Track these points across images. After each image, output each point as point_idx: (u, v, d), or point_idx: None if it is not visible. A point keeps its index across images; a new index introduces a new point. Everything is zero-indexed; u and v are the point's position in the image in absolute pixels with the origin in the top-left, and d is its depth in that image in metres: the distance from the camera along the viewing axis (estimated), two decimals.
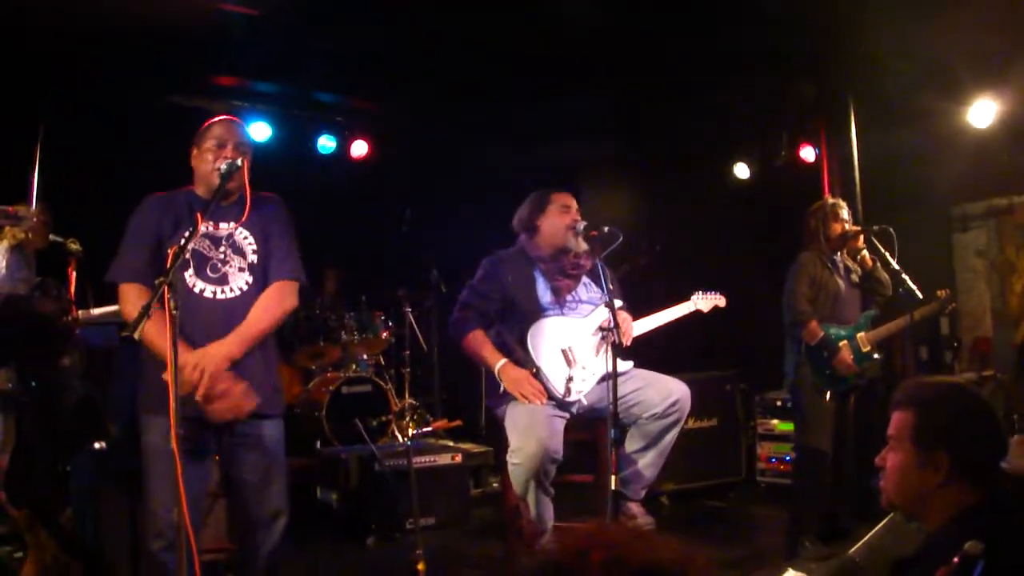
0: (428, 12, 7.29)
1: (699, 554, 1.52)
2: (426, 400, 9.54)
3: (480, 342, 5.45)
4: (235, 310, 4.13)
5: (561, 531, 5.15)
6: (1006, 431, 6.04)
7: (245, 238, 4.25)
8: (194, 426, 3.81)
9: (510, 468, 5.19)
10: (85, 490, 5.57)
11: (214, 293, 4.12)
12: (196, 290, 4.08)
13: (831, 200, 6.48)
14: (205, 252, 4.14)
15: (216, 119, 4.35)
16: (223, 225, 4.20)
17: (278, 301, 4.26)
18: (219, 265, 4.15)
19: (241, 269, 4.19)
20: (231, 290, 4.15)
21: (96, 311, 6.44)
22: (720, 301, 6.23)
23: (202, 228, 4.00)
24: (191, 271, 4.07)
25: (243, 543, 4.26)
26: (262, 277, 4.24)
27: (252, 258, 4.23)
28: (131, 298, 4.04)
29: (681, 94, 8.74)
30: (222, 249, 4.17)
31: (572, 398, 5.28)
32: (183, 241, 3.71)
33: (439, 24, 7.52)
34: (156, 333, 3.73)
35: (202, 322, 4.03)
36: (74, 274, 6.36)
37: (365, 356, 9.09)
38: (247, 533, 4.23)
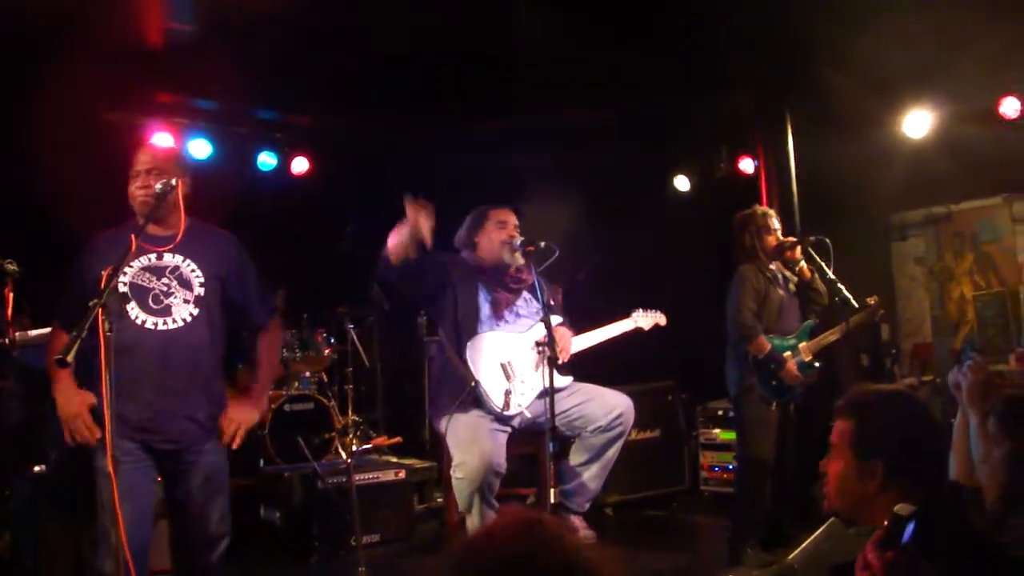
0: (366, 27, 7.30)
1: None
2: (369, 416, 9.50)
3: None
4: (178, 340, 4.13)
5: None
6: (946, 438, 6.15)
7: (192, 271, 4.24)
8: (131, 451, 3.81)
9: (454, 482, 5.21)
10: (25, 514, 5.52)
11: (155, 324, 4.10)
12: (138, 321, 4.06)
13: (760, 210, 6.49)
14: (145, 284, 4.13)
15: (142, 143, 4.37)
16: (166, 257, 4.19)
17: (274, 344, 4.68)
18: (161, 297, 4.14)
19: (186, 301, 4.19)
20: (173, 321, 4.14)
21: (33, 332, 6.37)
22: (660, 319, 6.28)
23: (143, 260, 4.03)
24: (133, 303, 4.05)
25: (182, 566, 4.25)
26: (207, 309, 4.24)
27: (199, 291, 4.23)
28: (59, 342, 4.07)
29: (620, 106, 8.79)
30: (164, 280, 4.16)
31: (511, 412, 5.31)
32: (118, 262, 3.71)
33: (377, 39, 7.53)
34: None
35: (145, 352, 4.04)
36: (11, 295, 6.29)
37: (307, 373, 9.03)
38: (187, 556, 4.22)
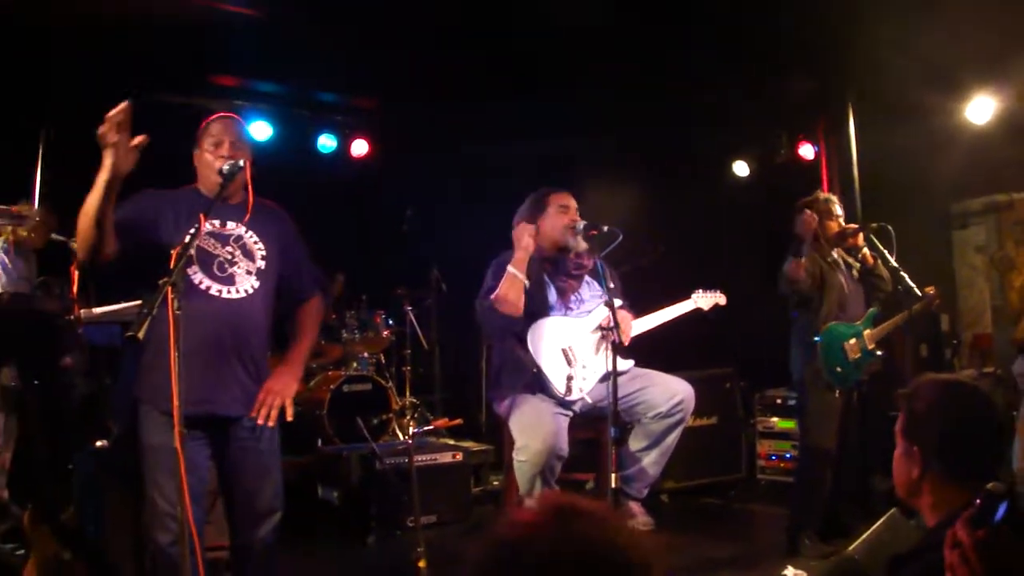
0: (428, 9, 7.31)
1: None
2: (427, 398, 9.54)
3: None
4: (242, 311, 4.14)
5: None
6: (1007, 431, 6.06)
7: (255, 242, 4.24)
8: (189, 424, 3.82)
9: (516, 465, 5.20)
10: (87, 488, 5.59)
11: (220, 292, 4.08)
12: (202, 287, 4.04)
13: (823, 196, 6.41)
14: (210, 250, 4.11)
15: (214, 117, 4.34)
16: (229, 224, 4.20)
17: (318, 313, 4.55)
18: (226, 265, 4.13)
19: (248, 272, 4.17)
20: (238, 291, 4.13)
21: (98, 310, 6.46)
22: (721, 299, 6.24)
23: (207, 226, 4.02)
24: (195, 267, 4.04)
25: (237, 541, 4.27)
26: (267, 283, 4.25)
27: (260, 263, 4.22)
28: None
29: (681, 91, 8.75)
30: (228, 248, 4.15)
31: (573, 396, 5.30)
32: (187, 240, 3.72)
33: (439, 21, 7.54)
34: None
35: (210, 320, 4.02)
36: (77, 273, 6.38)
37: (366, 354, 9.09)
38: (240, 532, 4.23)
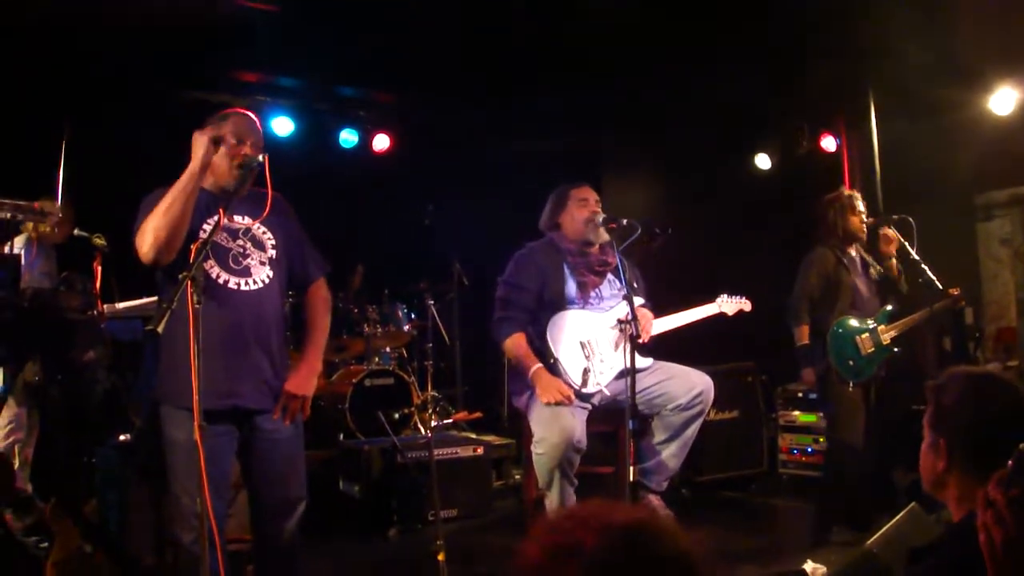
0: (449, 5, 7.32)
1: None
2: (448, 392, 9.56)
3: (519, 346, 5.48)
4: (261, 301, 4.16)
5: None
6: None
7: (264, 233, 4.27)
8: (214, 419, 3.83)
9: (535, 458, 5.22)
10: (110, 481, 5.63)
11: (238, 284, 4.11)
12: (220, 281, 4.06)
13: (847, 192, 6.43)
14: (224, 244, 4.13)
15: (231, 112, 4.34)
16: (237, 218, 4.21)
17: (326, 299, 4.56)
18: (240, 258, 4.16)
19: (262, 263, 4.20)
20: (254, 282, 4.16)
21: (121, 305, 6.51)
22: (746, 305, 6.22)
23: (214, 221, 4.03)
24: (212, 262, 4.05)
25: (260, 533, 4.29)
26: (280, 271, 4.28)
27: (271, 252, 4.26)
28: (143, 228, 4.02)
29: (702, 84, 8.73)
30: (240, 242, 4.17)
31: (590, 389, 5.30)
32: (205, 235, 3.75)
33: (460, 16, 7.55)
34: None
35: (230, 313, 4.05)
36: (99, 268, 6.42)
37: (388, 349, 9.12)
38: (265, 523, 4.25)
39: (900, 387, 6.33)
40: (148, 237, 3.95)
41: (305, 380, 4.25)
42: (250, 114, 4.37)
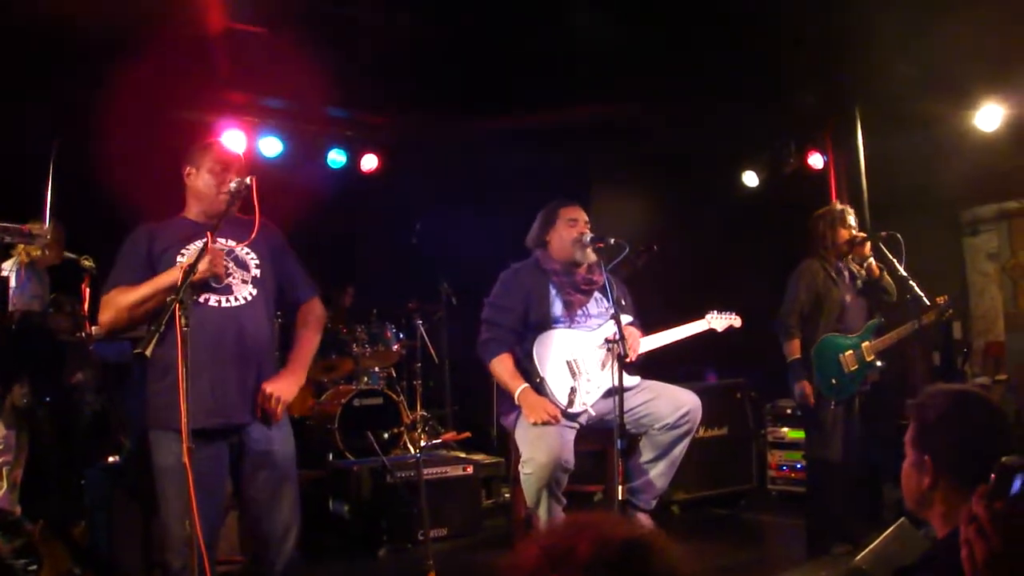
0: (435, 24, 7.34)
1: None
2: (437, 412, 9.56)
3: (505, 367, 5.47)
4: (242, 316, 4.18)
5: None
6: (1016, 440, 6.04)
7: (247, 254, 4.30)
8: (204, 439, 3.84)
9: (522, 478, 5.22)
10: (99, 503, 5.63)
11: (219, 302, 4.13)
12: (200, 300, 4.07)
13: (839, 206, 6.47)
14: None
15: (213, 140, 4.39)
16: (220, 240, 4.22)
17: (319, 317, 4.59)
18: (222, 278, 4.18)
19: (244, 281, 4.23)
20: (236, 299, 4.18)
21: None
22: (735, 321, 6.21)
23: (199, 244, 4.06)
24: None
25: (257, 558, 4.29)
26: (264, 290, 4.29)
27: (255, 272, 4.29)
28: (111, 298, 4.12)
29: (690, 103, 8.75)
30: (224, 263, 4.20)
31: (576, 409, 5.30)
32: (195, 260, 3.78)
33: (446, 35, 7.57)
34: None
35: (212, 328, 4.06)
36: (88, 290, 6.43)
37: (377, 369, 9.13)
38: (260, 549, 4.26)
39: (889, 400, 6.36)
40: (110, 314, 4.11)
41: (284, 383, 4.25)
42: (232, 141, 4.40)
